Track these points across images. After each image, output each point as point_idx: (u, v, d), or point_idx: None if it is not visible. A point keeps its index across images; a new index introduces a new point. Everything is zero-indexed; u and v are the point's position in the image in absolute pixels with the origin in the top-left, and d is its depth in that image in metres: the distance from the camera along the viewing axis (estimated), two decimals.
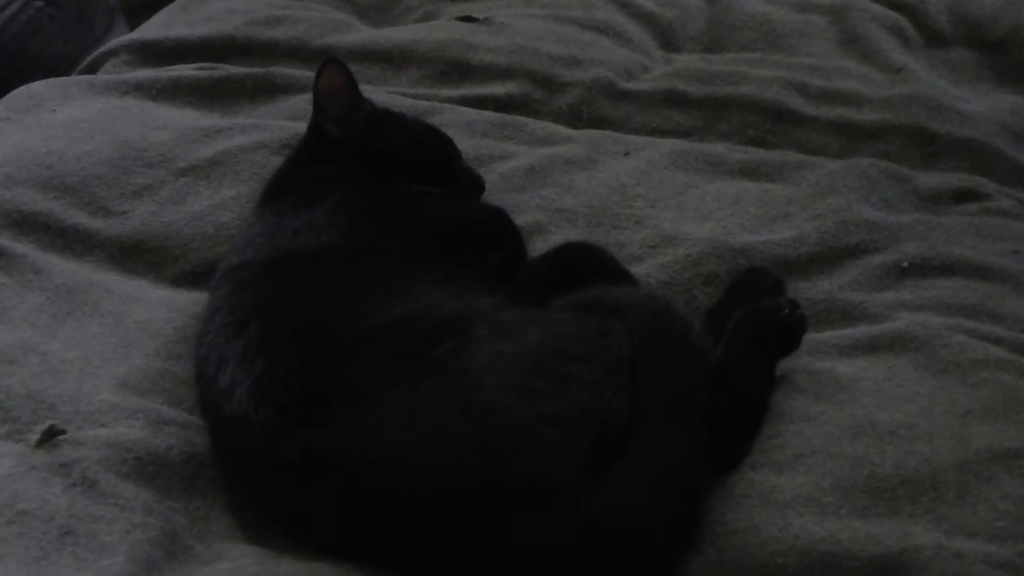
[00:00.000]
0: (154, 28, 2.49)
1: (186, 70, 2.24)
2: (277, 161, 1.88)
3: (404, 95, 2.17)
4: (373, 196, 1.69)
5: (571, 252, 1.70)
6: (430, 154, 1.82)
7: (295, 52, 2.32)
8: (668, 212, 1.85)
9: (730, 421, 1.42)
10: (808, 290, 1.69)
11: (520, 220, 1.79)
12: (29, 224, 1.80)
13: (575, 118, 2.18)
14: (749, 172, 1.97)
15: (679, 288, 1.70)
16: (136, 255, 1.80)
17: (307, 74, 2.13)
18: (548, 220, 1.84)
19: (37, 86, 2.18)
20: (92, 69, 2.38)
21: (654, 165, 1.97)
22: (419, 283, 1.51)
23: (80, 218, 1.82)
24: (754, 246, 1.75)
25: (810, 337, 1.55)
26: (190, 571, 1.29)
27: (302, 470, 1.32)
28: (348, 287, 1.50)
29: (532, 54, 2.27)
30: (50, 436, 1.39)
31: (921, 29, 2.49)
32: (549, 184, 1.92)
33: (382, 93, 2.10)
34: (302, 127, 1.87)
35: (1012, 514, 1.29)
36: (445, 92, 2.21)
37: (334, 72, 1.78)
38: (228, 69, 2.24)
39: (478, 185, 1.84)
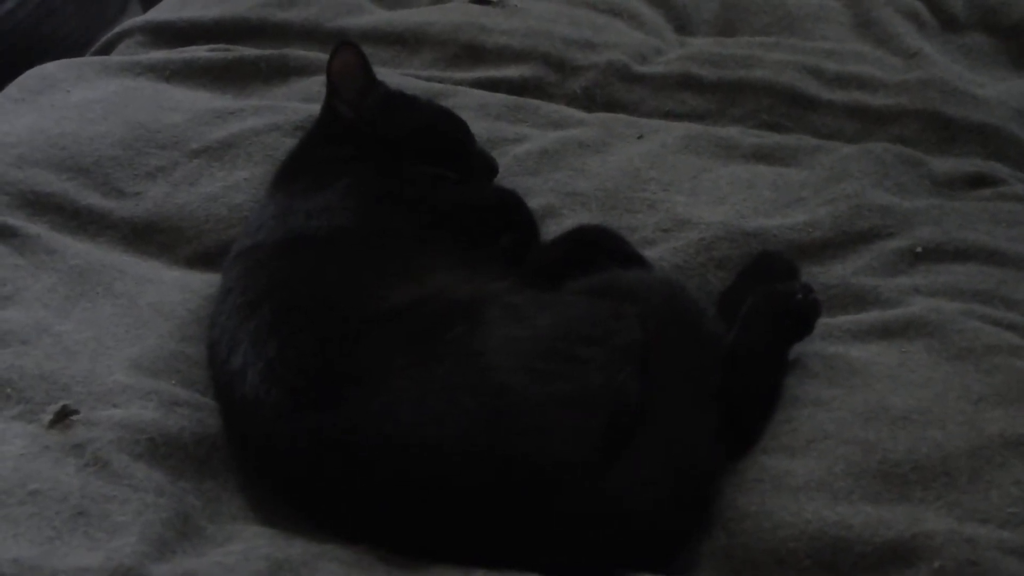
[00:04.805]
0: (168, 9, 2.48)
1: (199, 51, 2.23)
2: (290, 143, 1.88)
3: (418, 77, 2.17)
4: (386, 178, 1.69)
5: (584, 235, 1.70)
6: (443, 137, 1.81)
7: (309, 34, 2.31)
8: (681, 196, 1.85)
9: (743, 405, 1.42)
10: (822, 275, 1.69)
11: (533, 203, 1.78)
12: (43, 205, 1.80)
13: (589, 101, 2.17)
14: (763, 156, 1.97)
15: (692, 272, 1.70)
16: (149, 236, 1.80)
17: (320, 56, 2.12)
18: (561, 203, 1.83)
19: (51, 67, 2.17)
20: (106, 50, 2.38)
21: (667, 148, 1.96)
22: (431, 266, 1.51)
23: (93, 199, 1.83)
24: (768, 230, 1.75)
25: (823, 322, 1.55)
26: (202, 552, 1.29)
27: (314, 451, 1.32)
28: (360, 269, 1.50)
29: (546, 37, 2.26)
30: (63, 416, 1.39)
31: (936, 13, 2.47)
32: (562, 167, 1.92)
33: (395, 75, 2.09)
34: (315, 109, 1.86)
35: None
36: (459, 75, 2.21)
37: (347, 54, 1.78)
38: (241, 51, 2.23)
39: (491, 168, 1.84)
